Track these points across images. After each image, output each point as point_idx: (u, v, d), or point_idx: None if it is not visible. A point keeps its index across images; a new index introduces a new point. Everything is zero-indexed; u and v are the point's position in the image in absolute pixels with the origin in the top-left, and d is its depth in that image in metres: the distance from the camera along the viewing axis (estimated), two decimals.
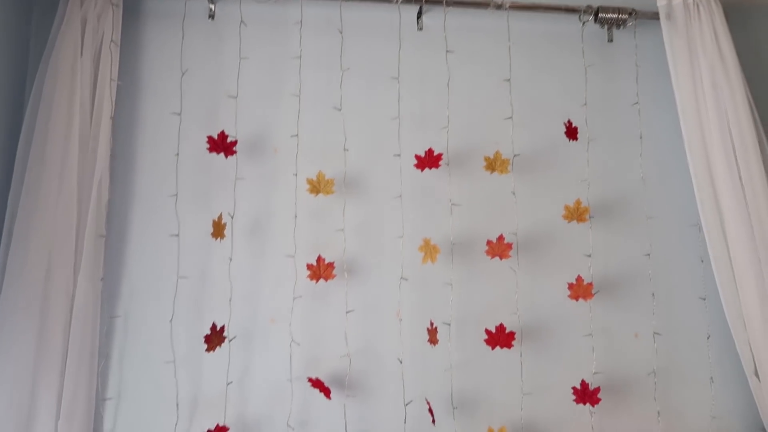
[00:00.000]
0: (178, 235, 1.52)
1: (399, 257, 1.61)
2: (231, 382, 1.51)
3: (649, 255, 1.71)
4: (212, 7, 1.68)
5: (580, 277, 1.61)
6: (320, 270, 1.52)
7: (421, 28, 1.78)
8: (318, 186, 1.55)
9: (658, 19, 1.75)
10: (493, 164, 1.61)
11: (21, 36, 1.59)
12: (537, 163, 1.75)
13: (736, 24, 1.79)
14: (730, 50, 1.71)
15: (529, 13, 1.77)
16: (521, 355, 1.59)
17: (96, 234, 1.45)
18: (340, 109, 1.63)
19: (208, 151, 1.50)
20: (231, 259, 1.53)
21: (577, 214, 1.63)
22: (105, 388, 1.50)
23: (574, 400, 1.56)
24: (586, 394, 1.56)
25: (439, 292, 1.62)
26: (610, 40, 1.87)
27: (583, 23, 1.81)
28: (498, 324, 1.53)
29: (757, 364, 1.58)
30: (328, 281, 1.52)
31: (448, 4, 1.69)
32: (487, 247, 1.57)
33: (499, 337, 1.53)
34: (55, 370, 1.38)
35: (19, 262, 1.37)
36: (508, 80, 1.70)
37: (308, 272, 1.51)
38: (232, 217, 1.54)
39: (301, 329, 1.58)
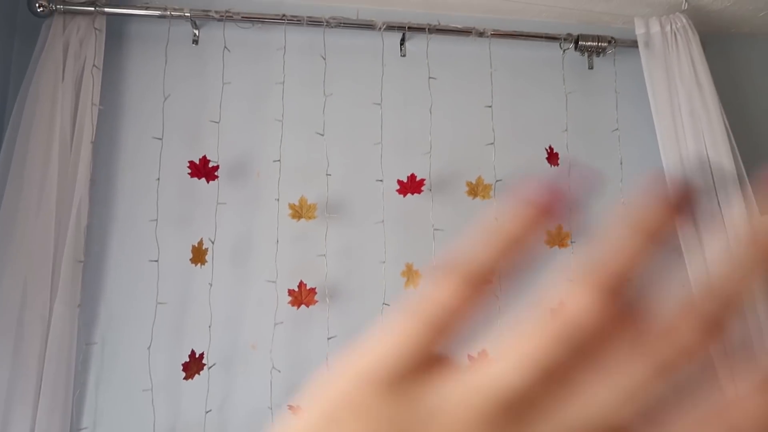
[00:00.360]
0: (157, 261, 1.51)
1: (381, 282, 1.60)
2: (210, 410, 1.49)
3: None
4: (196, 32, 1.69)
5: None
6: (302, 296, 1.51)
7: (404, 54, 1.80)
8: (300, 211, 1.54)
9: (637, 47, 1.78)
10: (476, 189, 1.62)
11: (3, 60, 1.58)
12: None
13: (713, 53, 1.83)
14: (707, 78, 1.74)
15: (510, 40, 1.80)
16: None
17: (74, 259, 1.43)
18: (322, 134, 1.63)
19: (189, 176, 1.49)
20: (211, 285, 1.52)
21: (558, 239, 1.64)
22: (80, 417, 1.47)
23: None
24: None
25: None
26: (591, 67, 1.90)
27: (564, 51, 1.83)
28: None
29: None
30: (310, 307, 1.51)
31: (431, 31, 1.71)
32: None
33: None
34: (28, 399, 1.35)
35: None
36: (490, 106, 1.72)
37: (290, 298, 1.50)
38: (213, 243, 1.53)
39: (282, 356, 1.56)
